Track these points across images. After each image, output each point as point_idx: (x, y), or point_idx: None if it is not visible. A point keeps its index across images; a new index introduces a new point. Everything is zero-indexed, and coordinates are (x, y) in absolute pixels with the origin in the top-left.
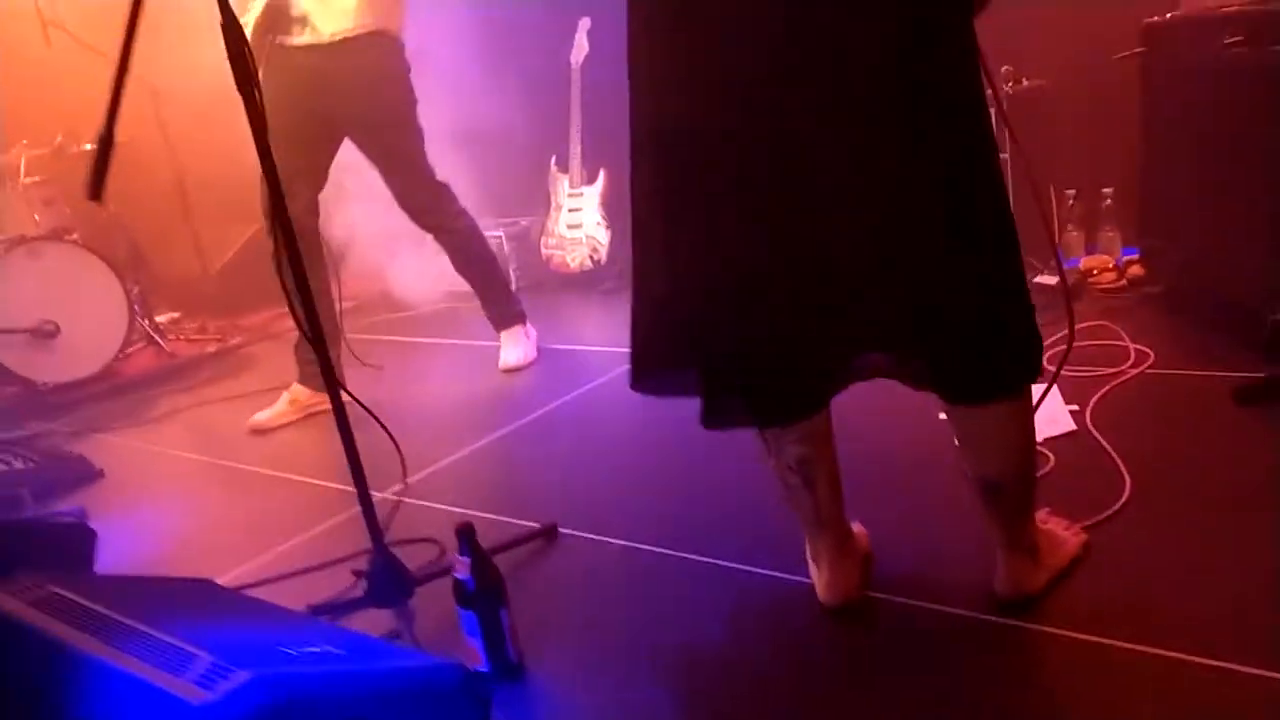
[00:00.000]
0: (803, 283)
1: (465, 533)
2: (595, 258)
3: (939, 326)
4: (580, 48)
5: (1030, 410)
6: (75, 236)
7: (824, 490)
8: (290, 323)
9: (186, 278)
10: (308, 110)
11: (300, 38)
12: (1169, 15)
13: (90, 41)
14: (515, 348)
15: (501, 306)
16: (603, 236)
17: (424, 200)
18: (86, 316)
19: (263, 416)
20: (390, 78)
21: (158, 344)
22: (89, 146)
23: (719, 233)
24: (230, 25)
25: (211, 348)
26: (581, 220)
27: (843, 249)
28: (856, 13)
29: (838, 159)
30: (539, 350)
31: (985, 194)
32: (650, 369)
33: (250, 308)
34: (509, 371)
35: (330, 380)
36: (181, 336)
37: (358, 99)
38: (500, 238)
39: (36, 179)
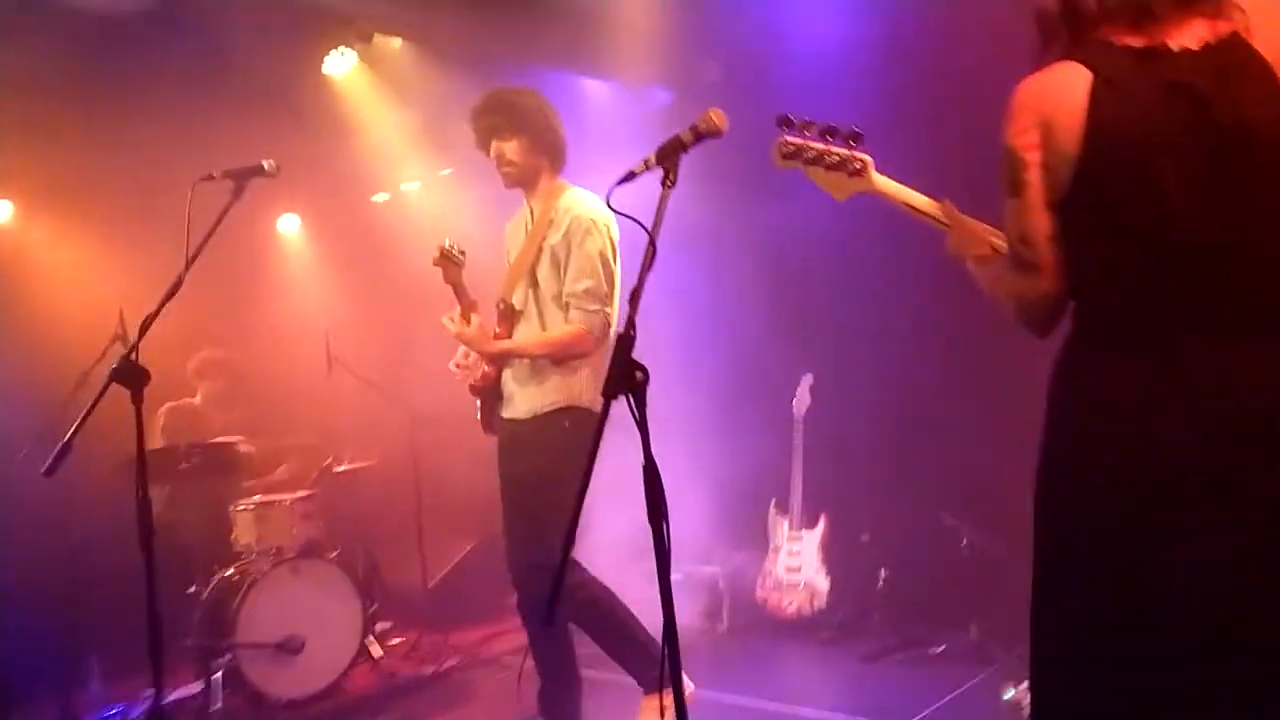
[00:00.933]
0: None
1: None
2: (815, 604)
3: None
4: (802, 400)
5: None
6: (334, 554)
7: None
8: (505, 645)
9: (406, 589)
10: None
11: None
12: None
13: (363, 374)
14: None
15: (639, 669)
16: (822, 583)
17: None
18: (328, 633)
19: None
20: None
21: (372, 659)
22: (344, 467)
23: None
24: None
25: (429, 669)
26: (801, 564)
27: None
28: None
29: None
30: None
31: None
32: None
33: (462, 623)
34: None
35: None
36: (396, 652)
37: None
38: (718, 573)
39: (301, 495)
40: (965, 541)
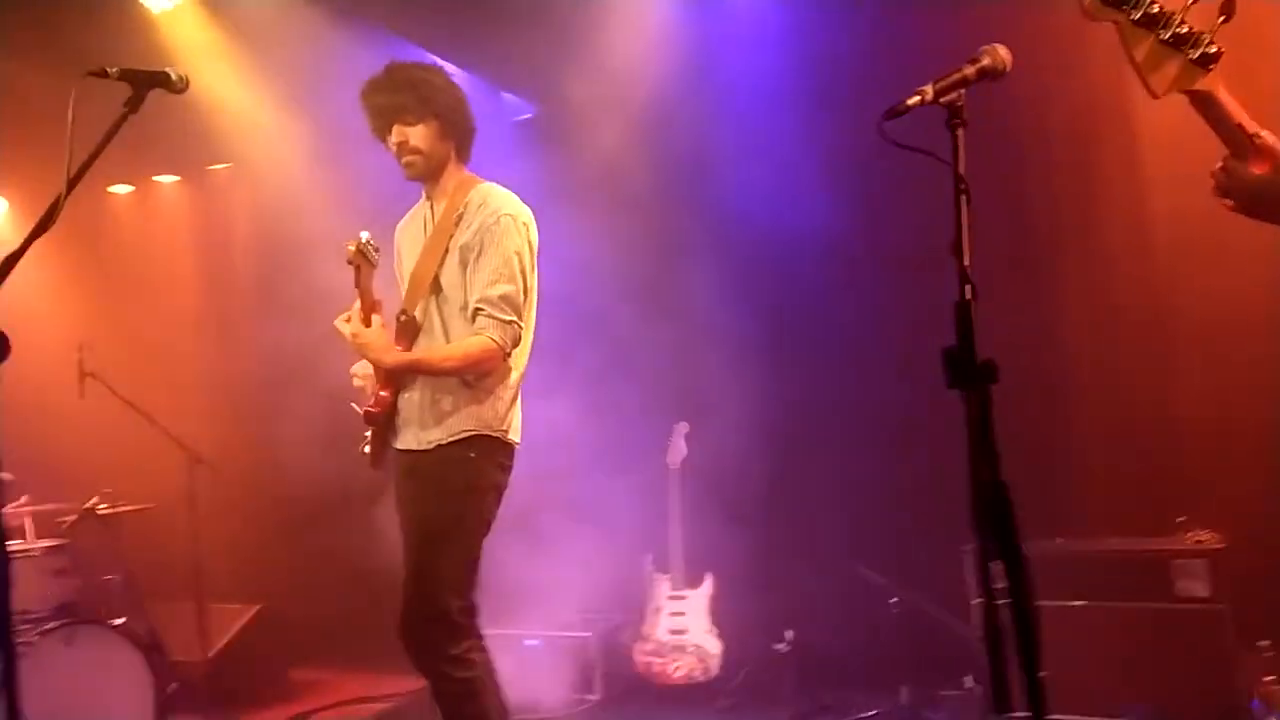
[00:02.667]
0: None
1: None
2: (704, 669)
3: None
4: (677, 450)
5: None
6: (122, 621)
7: None
8: None
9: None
10: None
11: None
12: None
13: (126, 394)
14: None
15: None
16: (713, 646)
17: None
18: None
19: None
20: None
21: None
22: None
23: None
24: None
25: None
26: (687, 625)
27: None
28: None
29: None
30: None
31: None
32: None
33: (252, 703)
34: None
35: None
36: None
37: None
38: (588, 637)
39: (52, 543)
40: (895, 600)
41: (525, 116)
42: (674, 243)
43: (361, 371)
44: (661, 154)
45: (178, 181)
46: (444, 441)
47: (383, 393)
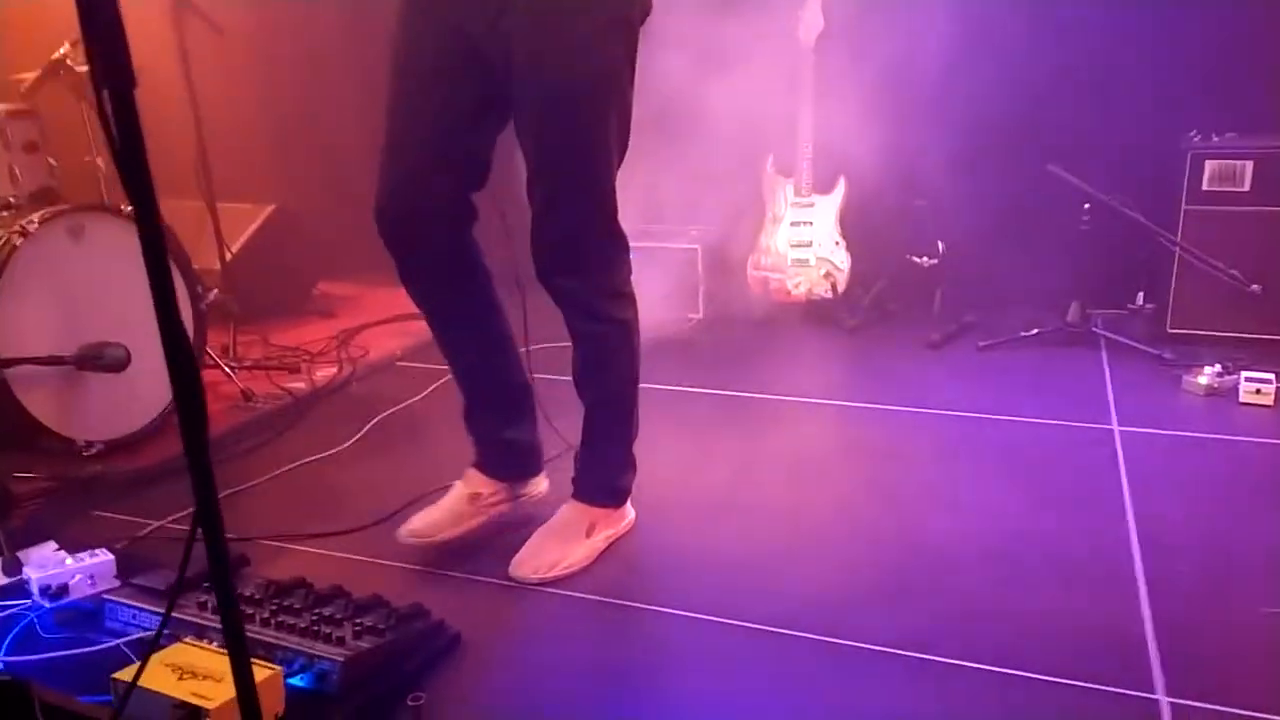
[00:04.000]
0: None
1: None
2: (829, 286)
3: None
4: (812, 23)
5: None
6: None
7: None
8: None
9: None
10: (465, 44)
11: None
12: None
13: None
14: (567, 542)
15: (605, 471)
16: (841, 260)
17: (578, 251)
18: (147, 334)
19: (421, 524)
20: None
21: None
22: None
23: None
24: None
25: (295, 386)
26: (812, 237)
27: None
28: None
29: None
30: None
31: None
32: None
33: (273, 316)
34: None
35: None
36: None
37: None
38: (696, 250)
39: (13, 107)
40: (1087, 206)
41: None
42: None
43: None
44: None
45: None
46: None
47: None
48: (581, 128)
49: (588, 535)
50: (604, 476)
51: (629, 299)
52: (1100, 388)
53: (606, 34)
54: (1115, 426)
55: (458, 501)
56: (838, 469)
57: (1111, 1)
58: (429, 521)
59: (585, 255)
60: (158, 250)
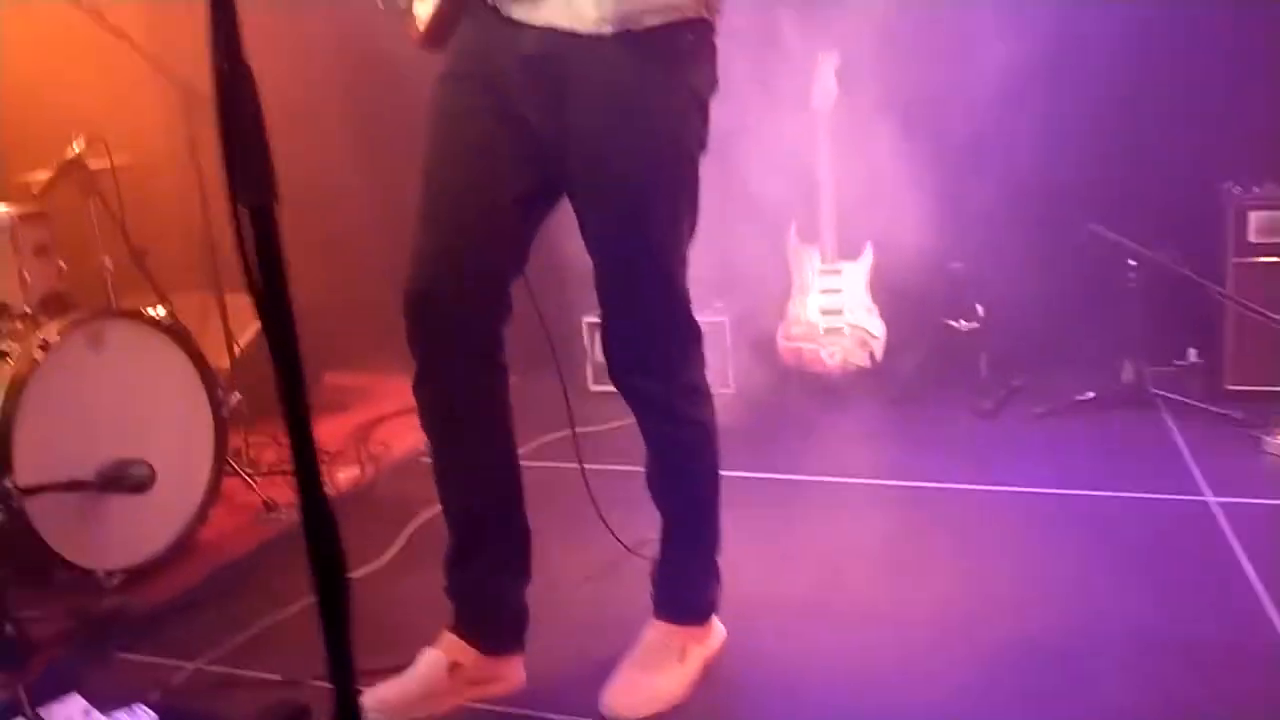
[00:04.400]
0: None
1: None
2: (865, 354)
3: None
4: (826, 90)
5: None
6: (163, 315)
7: None
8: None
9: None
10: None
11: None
12: None
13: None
14: (662, 670)
15: (690, 586)
16: (876, 327)
17: (656, 349)
18: (172, 451)
19: (391, 693)
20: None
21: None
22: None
23: None
24: None
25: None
26: (842, 305)
27: None
28: None
29: None
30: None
31: None
32: None
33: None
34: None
35: None
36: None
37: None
38: (724, 322)
39: (24, 210)
40: (1132, 264)
41: None
42: None
43: None
44: None
45: None
46: (656, 24)
47: None
48: (657, 223)
49: (681, 660)
50: (689, 592)
51: (706, 397)
52: (1175, 453)
53: (685, 117)
54: (1209, 497)
55: (435, 670)
56: (924, 560)
57: (1134, 54)
58: (400, 692)
59: (664, 353)
60: (299, 407)
